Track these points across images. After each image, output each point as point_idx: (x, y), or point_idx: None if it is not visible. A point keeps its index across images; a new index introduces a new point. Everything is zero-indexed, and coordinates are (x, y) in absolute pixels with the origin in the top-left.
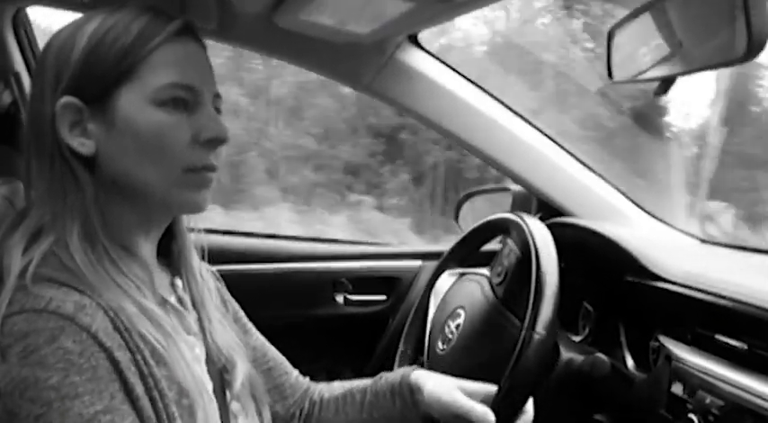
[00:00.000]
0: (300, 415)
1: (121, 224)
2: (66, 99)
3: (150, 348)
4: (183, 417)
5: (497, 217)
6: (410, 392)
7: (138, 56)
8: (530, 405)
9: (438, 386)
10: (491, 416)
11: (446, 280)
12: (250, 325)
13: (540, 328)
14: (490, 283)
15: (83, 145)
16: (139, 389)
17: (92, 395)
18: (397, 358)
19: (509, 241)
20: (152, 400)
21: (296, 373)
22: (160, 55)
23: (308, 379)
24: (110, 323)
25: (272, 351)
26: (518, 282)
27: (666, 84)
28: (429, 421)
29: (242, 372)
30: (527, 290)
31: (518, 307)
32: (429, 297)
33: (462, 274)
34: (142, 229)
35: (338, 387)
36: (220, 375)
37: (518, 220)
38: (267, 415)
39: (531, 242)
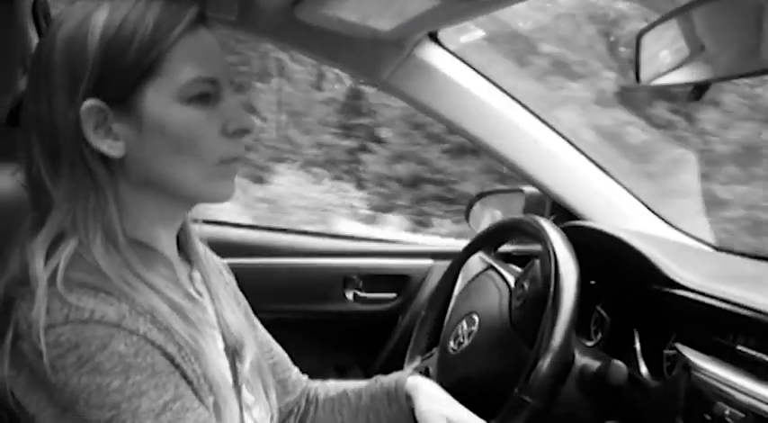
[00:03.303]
0: (297, 412)
1: (144, 220)
2: (89, 102)
3: (187, 345)
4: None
5: (532, 223)
6: (406, 399)
7: (159, 50)
8: None
9: (427, 410)
10: None
11: (477, 263)
12: (256, 321)
13: (534, 394)
14: (510, 299)
15: (112, 147)
16: (193, 381)
17: (156, 389)
18: (416, 329)
19: (536, 264)
20: (196, 394)
21: (296, 369)
22: (181, 48)
23: (305, 377)
24: (152, 325)
25: (277, 347)
26: (533, 315)
27: (700, 89)
28: None
29: (251, 351)
30: (539, 325)
31: (528, 335)
32: (459, 272)
33: (490, 267)
34: (164, 223)
35: (333, 387)
36: (234, 364)
37: (549, 249)
38: (273, 397)
39: (552, 286)
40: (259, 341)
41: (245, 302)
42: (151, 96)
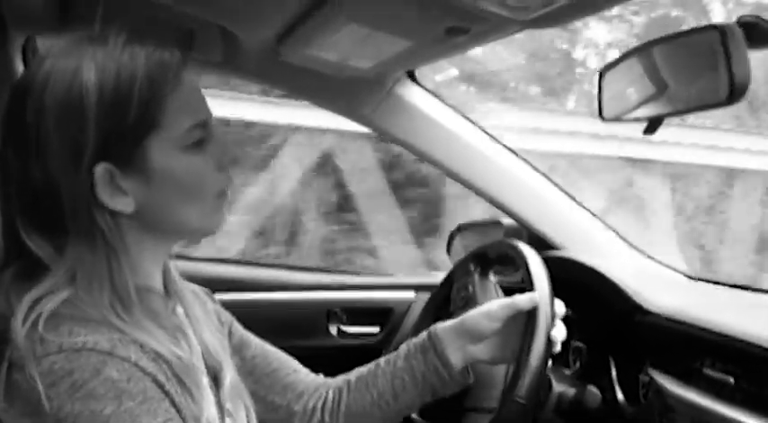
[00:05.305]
0: (323, 406)
1: (142, 262)
2: (101, 167)
3: (178, 379)
4: None
5: (495, 244)
6: (440, 345)
7: (156, 105)
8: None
9: (473, 310)
10: (536, 296)
11: None
12: (247, 334)
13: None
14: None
15: (125, 205)
16: (181, 410)
17: (148, 415)
18: None
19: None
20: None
21: (306, 370)
22: (174, 98)
23: (321, 375)
24: (143, 354)
25: (275, 352)
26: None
27: (654, 123)
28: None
29: (229, 372)
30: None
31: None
32: (433, 311)
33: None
34: (158, 260)
35: (360, 369)
36: (217, 392)
37: (516, 247)
38: (253, 418)
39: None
40: (252, 355)
41: (228, 320)
42: (155, 150)
